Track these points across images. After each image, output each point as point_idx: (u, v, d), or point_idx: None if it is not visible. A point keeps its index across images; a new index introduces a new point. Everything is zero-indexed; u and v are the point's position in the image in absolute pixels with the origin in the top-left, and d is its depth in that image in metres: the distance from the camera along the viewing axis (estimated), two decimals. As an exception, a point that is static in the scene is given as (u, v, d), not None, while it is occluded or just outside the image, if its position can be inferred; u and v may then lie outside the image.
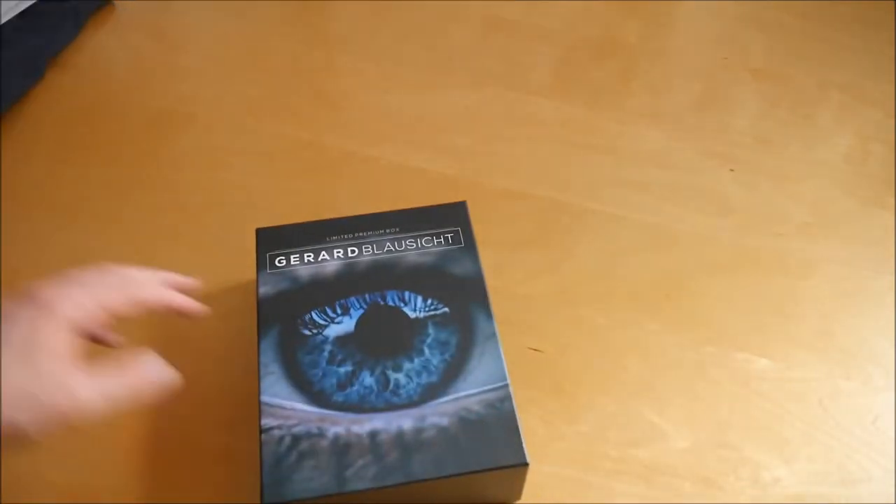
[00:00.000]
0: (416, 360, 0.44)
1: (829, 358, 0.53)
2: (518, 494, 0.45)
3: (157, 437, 0.49)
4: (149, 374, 0.37)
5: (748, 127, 0.68)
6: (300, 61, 0.73)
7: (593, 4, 0.79)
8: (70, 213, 0.60)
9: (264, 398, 0.43)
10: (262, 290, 0.48)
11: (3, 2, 0.66)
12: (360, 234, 0.50)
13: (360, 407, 0.43)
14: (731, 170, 0.65)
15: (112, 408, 0.35)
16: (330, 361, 0.44)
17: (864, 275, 0.58)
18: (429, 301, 0.47)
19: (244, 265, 0.55)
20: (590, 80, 0.72)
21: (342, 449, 0.41)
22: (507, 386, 0.43)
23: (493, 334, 0.45)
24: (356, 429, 0.42)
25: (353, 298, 0.47)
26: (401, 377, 0.44)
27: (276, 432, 0.42)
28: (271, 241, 0.50)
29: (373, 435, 0.41)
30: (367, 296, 0.47)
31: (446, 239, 0.50)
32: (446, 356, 0.44)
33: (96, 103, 0.69)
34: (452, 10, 0.78)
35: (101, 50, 0.73)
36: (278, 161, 0.64)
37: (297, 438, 0.41)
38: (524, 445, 0.41)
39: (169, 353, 0.50)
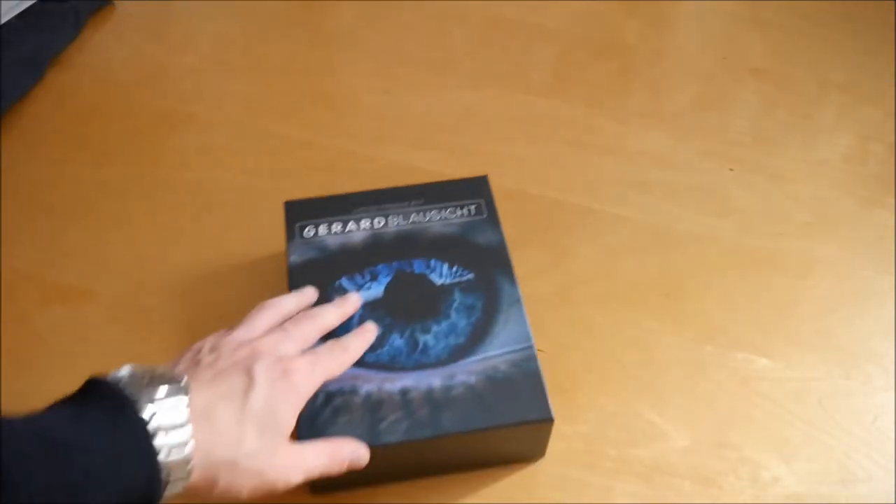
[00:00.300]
0: (444, 323, 0.46)
1: (829, 358, 0.53)
2: (542, 451, 0.47)
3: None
4: (347, 456, 0.40)
5: (748, 127, 0.68)
6: (300, 61, 0.73)
7: (593, 4, 0.79)
8: (70, 213, 0.60)
9: None
10: (292, 258, 0.49)
11: (3, 2, 0.66)
12: (386, 205, 0.52)
13: (390, 366, 0.44)
14: (731, 170, 0.65)
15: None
16: (361, 325, 0.46)
17: (864, 275, 0.58)
18: (454, 268, 0.48)
19: (245, 265, 0.55)
20: (590, 80, 0.72)
21: (374, 405, 0.42)
22: (531, 347, 0.45)
23: (518, 300, 0.47)
24: (388, 386, 0.43)
25: (381, 266, 0.49)
26: (429, 339, 0.45)
27: None
28: (300, 212, 0.52)
29: (404, 392, 0.43)
30: (394, 263, 0.49)
31: (469, 210, 0.52)
32: (472, 319, 0.46)
33: (96, 103, 0.69)
34: (452, 10, 0.78)
35: (101, 50, 0.73)
36: (278, 161, 0.64)
37: (330, 395, 0.43)
38: (549, 401, 0.42)
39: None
